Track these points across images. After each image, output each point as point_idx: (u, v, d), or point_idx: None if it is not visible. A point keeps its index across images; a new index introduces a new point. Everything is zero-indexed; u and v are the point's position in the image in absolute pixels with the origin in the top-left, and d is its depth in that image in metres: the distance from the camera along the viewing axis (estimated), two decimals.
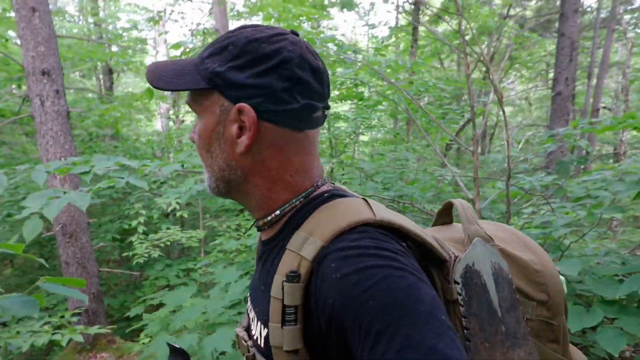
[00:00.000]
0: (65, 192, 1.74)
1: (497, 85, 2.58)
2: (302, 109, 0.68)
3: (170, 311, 2.41)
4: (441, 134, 4.13)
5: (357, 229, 0.62)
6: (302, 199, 0.72)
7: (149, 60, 14.84)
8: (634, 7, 14.19)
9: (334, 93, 7.00)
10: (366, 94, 6.45)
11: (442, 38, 3.37)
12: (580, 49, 11.80)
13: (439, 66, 12.85)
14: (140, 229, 4.66)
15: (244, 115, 0.67)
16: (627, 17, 14.28)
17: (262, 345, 0.68)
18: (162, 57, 9.77)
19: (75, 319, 3.27)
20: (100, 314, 4.79)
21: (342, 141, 7.41)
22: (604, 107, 14.03)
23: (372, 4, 17.17)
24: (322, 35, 3.79)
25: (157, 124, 10.35)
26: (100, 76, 11.08)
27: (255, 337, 0.72)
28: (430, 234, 0.72)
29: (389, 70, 3.64)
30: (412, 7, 11.23)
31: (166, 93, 8.90)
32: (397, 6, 13.38)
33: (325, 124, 8.29)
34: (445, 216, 0.92)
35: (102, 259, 6.29)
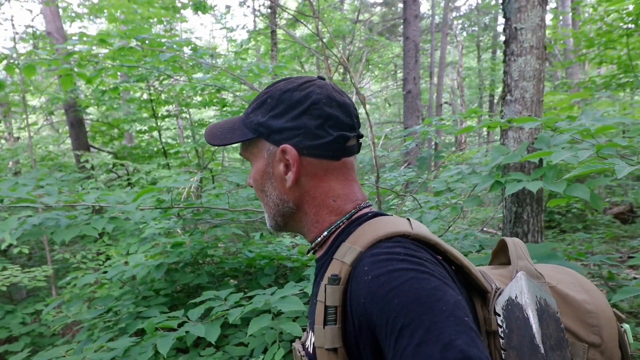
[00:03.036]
0: None
1: (358, 87, 2.60)
2: (336, 140, 0.76)
3: None
4: None
5: (393, 239, 0.68)
6: (345, 220, 0.78)
7: None
8: (461, 14, 16.25)
9: (196, 99, 6.62)
10: (230, 99, 6.21)
11: (301, 41, 3.34)
12: (421, 51, 13.10)
13: (300, 69, 13.14)
14: None
15: (287, 154, 0.76)
16: (456, 22, 16.29)
17: (311, 351, 0.74)
18: None
19: None
20: None
21: (209, 149, 7.07)
22: (445, 102, 15.83)
23: (228, 7, 16.82)
24: (176, 39, 3.48)
25: None
26: None
27: (307, 347, 0.78)
28: (478, 268, 0.73)
29: (251, 75, 3.49)
30: (269, 10, 11.25)
31: None
32: (254, 10, 13.31)
33: (190, 132, 7.84)
34: (502, 256, 0.91)
35: None
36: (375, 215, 0.78)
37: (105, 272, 3.47)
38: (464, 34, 16.88)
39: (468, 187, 2.37)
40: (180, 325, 1.72)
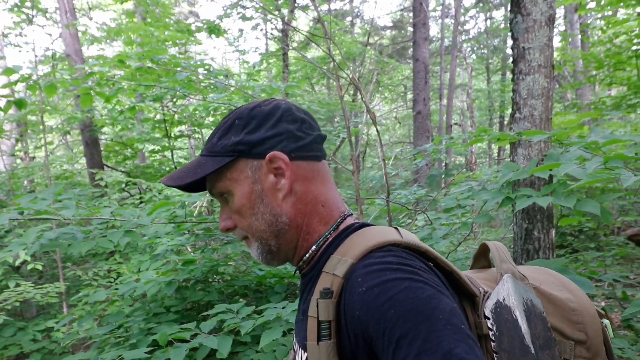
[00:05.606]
0: None
1: (368, 106, 2.65)
2: (315, 140, 0.78)
3: None
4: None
5: (385, 248, 0.67)
6: (332, 231, 0.77)
7: None
8: (470, 37, 16.43)
9: (209, 119, 6.74)
10: None
11: (313, 62, 3.42)
12: (431, 73, 13.22)
13: (311, 90, 13.32)
14: None
15: (276, 162, 0.75)
16: (465, 45, 16.47)
17: None
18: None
19: None
20: None
21: None
22: (455, 124, 15.88)
23: (241, 30, 17.25)
24: (191, 62, 3.58)
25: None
26: None
27: None
28: (464, 273, 0.74)
29: (263, 95, 3.58)
30: (281, 34, 11.49)
31: (7, 127, 7.68)
32: (266, 33, 13.62)
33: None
34: (483, 260, 0.93)
35: None
36: (362, 225, 0.77)
37: (116, 289, 3.51)
38: (473, 56, 17.04)
39: (479, 203, 2.38)
40: (193, 337, 1.73)
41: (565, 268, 1.71)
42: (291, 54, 11.28)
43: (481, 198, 2.11)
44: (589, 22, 9.68)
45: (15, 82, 2.44)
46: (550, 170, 1.84)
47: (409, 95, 16.68)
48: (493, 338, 0.67)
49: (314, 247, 0.77)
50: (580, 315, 0.76)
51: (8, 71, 2.27)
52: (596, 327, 0.77)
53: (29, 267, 4.31)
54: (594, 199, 1.80)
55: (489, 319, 0.68)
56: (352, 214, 0.82)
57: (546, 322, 0.71)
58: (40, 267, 4.29)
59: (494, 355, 0.66)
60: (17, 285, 4.10)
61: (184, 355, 1.55)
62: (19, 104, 2.56)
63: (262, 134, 0.75)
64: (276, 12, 8.72)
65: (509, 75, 16.12)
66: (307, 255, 0.78)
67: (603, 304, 4.01)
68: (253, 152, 0.75)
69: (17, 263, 4.11)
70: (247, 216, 0.77)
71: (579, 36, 9.14)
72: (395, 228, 0.74)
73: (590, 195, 3.85)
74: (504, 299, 0.70)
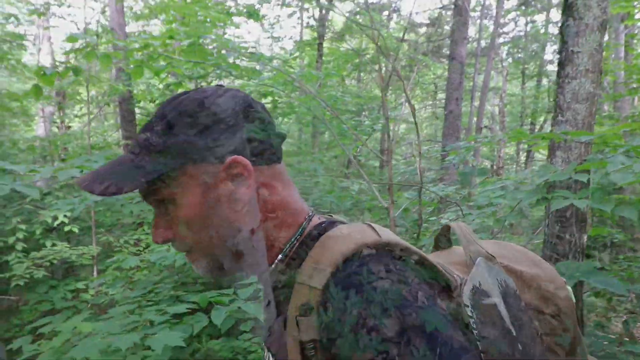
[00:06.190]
0: None
1: (409, 95, 2.68)
2: (276, 139, 0.70)
3: (65, 340, 2.07)
4: (353, 144, 4.22)
5: (363, 253, 0.61)
6: (298, 236, 0.70)
7: (28, 59, 13.26)
8: (508, 40, 16.10)
9: None
10: (269, 106, 6.42)
11: (354, 49, 3.45)
12: (464, 73, 13.04)
13: (342, 81, 13.33)
14: (19, 246, 4.05)
15: (236, 167, 0.64)
16: (502, 48, 16.16)
17: None
18: (45, 56, 8.77)
19: None
20: None
21: None
22: (485, 127, 15.66)
23: (277, 17, 17.34)
24: (230, 45, 3.67)
25: (39, 130, 9.23)
26: None
27: None
28: (431, 259, 0.71)
29: (301, 79, 3.64)
30: (317, 23, 11.52)
31: (54, 93, 7.97)
32: (302, 21, 13.65)
33: None
34: (444, 240, 0.90)
35: None
36: (331, 223, 0.71)
37: (146, 256, 3.66)
38: (510, 59, 16.72)
39: (510, 202, 2.41)
40: (231, 302, 1.83)
41: (596, 270, 1.74)
42: (325, 44, 11.30)
43: (515, 197, 2.14)
44: (635, 32, 9.40)
45: (75, 51, 2.57)
46: (588, 172, 1.86)
47: (440, 95, 16.50)
48: (474, 325, 0.64)
49: (280, 256, 0.69)
50: (551, 289, 0.76)
51: (71, 38, 2.39)
52: (567, 298, 0.77)
53: (66, 228, 4.52)
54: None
55: (467, 306, 0.65)
56: (315, 214, 0.75)
57: (520, 300, 0.70)
58: (76, 230, 4.49)
59: (477, 343, 0.63)
60: (54, 245, 4.31)
61: (224, 318, 1.65)
62: (76, 70, 2.69)
63: (218, 135, 0.64)
64: (313, 2, 8.74)
65: (544, 82, 15.78)
66: (272, 267, 0.70)
67: (624, 317, 3.97)
68: (208, 157, 0.64)
69: (54, 224, 4.31)
70: (196, 230, 0.66)
71: (623, 47, 8.89)
72: (369, 225, 0.68)
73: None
74: (480, 284, 0.67)
